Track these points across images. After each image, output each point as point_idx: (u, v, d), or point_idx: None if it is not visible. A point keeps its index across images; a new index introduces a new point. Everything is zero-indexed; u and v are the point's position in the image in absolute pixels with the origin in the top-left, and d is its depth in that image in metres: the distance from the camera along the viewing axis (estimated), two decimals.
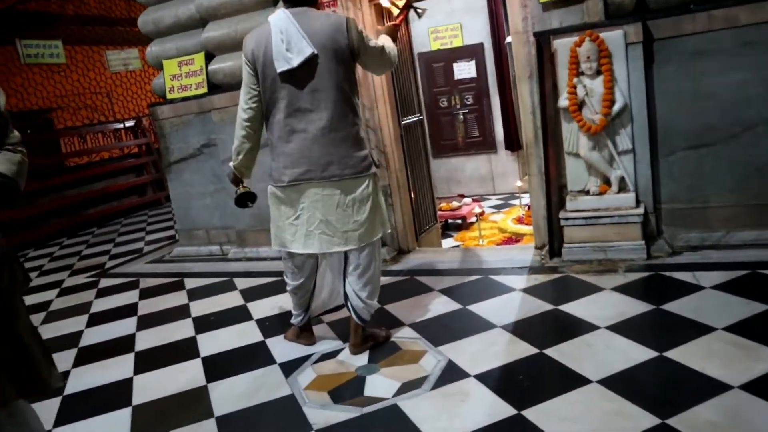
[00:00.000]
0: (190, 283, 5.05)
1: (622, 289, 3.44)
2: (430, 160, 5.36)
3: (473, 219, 7.20)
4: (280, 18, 2.78)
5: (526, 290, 3.66)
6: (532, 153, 4.15)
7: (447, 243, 6.53)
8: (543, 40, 3.84)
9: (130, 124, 10.38)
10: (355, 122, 2.87)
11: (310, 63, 2.72)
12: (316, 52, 2.71)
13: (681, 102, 3.78)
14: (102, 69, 11.26)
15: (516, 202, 8.08)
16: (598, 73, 3.73)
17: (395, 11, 3.46)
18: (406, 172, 4.79)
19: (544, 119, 3.95)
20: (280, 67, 2.74)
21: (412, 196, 4.84)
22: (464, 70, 8.44)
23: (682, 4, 3.65)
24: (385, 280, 4.24)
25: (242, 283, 4.78)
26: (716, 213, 3.83)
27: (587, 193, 3.94)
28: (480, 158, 8.76)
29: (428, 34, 8.41)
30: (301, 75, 2.75)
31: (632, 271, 3.67)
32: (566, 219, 3.93)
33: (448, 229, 7.11)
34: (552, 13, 3.84)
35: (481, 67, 8.30)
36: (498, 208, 8.00)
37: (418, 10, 3.31)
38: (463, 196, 8.50)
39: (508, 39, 7.47)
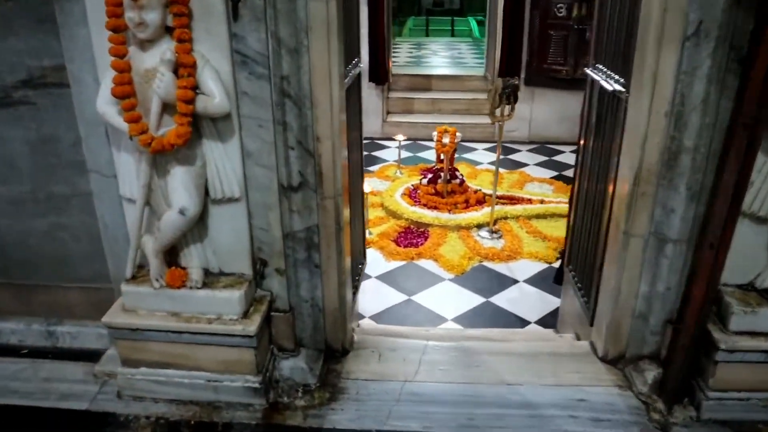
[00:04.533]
0: None
1: None
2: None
3: None
4: None
5: None
6: (647, 193, 1.89)
7: None
8: None
9: None
10: None
11: None
12: None
13: None
14: None
15: (387, 155, 5.80)
16: None
17: None
18: (349, 192, 2.14)
19: (729, 140, 1.67)
20: None
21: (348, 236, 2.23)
22: None
23: None
24: None
25: None
26: None
27: (761, 293, 1.85)
28: None
29: None
30: None
31: None
32: (730, 351, 1.81)
33: None
34: None
35: None
36: (366, 162, 5.62)
37: None
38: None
39: None
